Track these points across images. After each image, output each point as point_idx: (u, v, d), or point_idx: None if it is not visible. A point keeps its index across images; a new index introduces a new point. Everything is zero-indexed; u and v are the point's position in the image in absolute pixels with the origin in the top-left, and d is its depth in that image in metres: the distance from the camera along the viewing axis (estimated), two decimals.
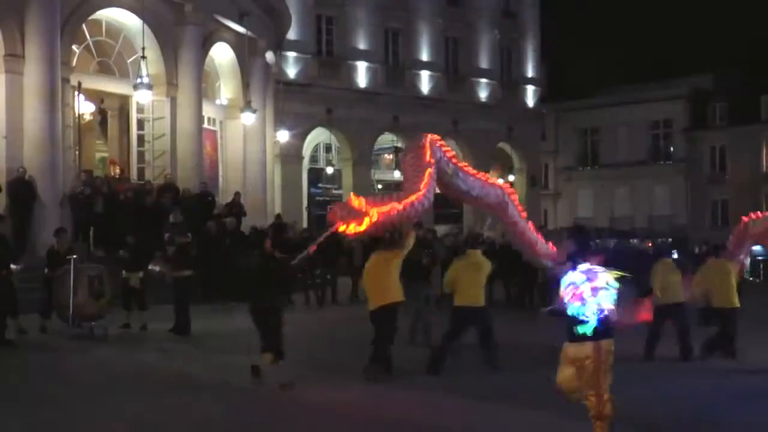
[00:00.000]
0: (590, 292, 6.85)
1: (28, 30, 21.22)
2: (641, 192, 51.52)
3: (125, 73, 25.05)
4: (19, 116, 21.09)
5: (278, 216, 26.78)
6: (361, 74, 39.49)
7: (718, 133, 49.42)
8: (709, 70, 50.90)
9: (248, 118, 27.78)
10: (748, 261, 15.70)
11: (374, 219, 8.91)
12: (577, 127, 55.81)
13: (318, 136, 39.60)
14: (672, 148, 52.71)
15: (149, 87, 23.39)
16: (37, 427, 8.84)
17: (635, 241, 31.18)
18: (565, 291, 7.00)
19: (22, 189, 20.43)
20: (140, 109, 25.17)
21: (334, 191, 39.57)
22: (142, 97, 24.12)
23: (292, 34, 35.67)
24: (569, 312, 7.04)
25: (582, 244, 7.56)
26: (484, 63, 44.50)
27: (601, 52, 55.89)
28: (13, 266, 13.99)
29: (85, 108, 24.97)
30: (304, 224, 33.24)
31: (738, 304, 13.48)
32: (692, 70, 50.72)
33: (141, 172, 25.27)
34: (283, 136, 33.68)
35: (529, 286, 21.98)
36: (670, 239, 37.66)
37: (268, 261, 11.30)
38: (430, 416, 9.16)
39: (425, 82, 41.86)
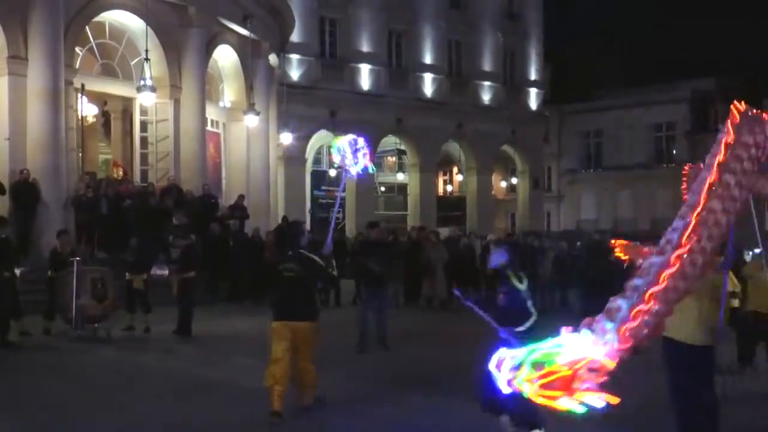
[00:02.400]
0: None
1: (32, 32, 21.24)
2: (644, 195, 51.45)
3: (129, 75, 25.09)
4: (23, 118, 21.10)
5: (284, 218, 26.83)
6: (365, 76, 39.53)
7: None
8: (711, 72, 50.83)
9: (251, 121, 27.82)
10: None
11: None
12: (580, 130, 55.80)
13: (321, 138, 39.64)
14: (674, 151, 52.64)
15: (152, 89, 23.41)
16: (40, 429, 8.86)
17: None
18: None
19: (25, 191, 20.44)
20: (143, 111, 25.19)
21: (337, 194, 39.59)
22: (145, 100, 24.14)
23: (295, 37, 35.71)
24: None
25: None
26: (487, 65, 44.55)
27: (604, 54, 55.82)
28: (17, 269, 14.00)
29: (88, 110, 25.05)
30: (308, 226, 33.22)
31: None
32: (694, 73, 50.67)
33: (144, 174, 25.30)
34: (287, 138, 33.72)
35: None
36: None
37: None
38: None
39: (428, 84, 41.89)
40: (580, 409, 3.83)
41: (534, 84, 47.06)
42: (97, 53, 24.92)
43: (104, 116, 28.86)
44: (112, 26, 24.80)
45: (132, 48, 24.98)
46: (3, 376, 11.83)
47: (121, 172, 25.82)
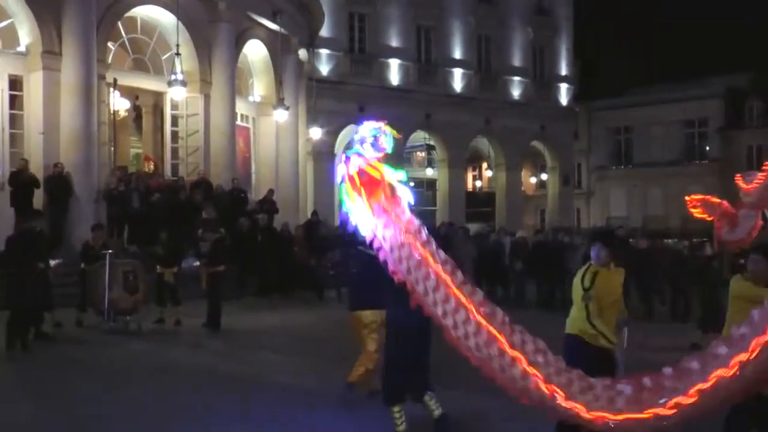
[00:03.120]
0: None
1: (65, 27, 21.48)
2: (675, 192, 50.96)
3: (160, 70, 25.26)
4: (56, 113, 21.35)
5: (314, 213, 26.90)
6: (394, 72, 39.51)
7: (754, 132, 48.92)
8: (744, 68, 50.41)
9: (281, 115, 27.92)
10: None
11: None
12: (610, 126, 55.52)
13: (350, 133, 39.66)
14: (707, 148, 52.25)
15: (183, 84, 23.60)
16: (71, 419, 8.95)
17: (670, 241, 30.83)
18: None
19: (58, 185, 20.65)
20: (174, 106, 25.37)
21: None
22: (176, 94, 24.32)
23: (324, 32, 35.76)
24: None
25: None
26: (516, 61, 44.38)
27: (635, 50, 55.52)
28: (52, 261, 14.16)
29: (120, 104, 25.23)
30: (337, 221, 33.30)
31: None
32: (728, 69, 50.26)
33: (174, 168, 25.48)
34: (316, 133, 33.77)
35: (560, 284, 21.88)
36: (705, 239, 37.17)
37: None
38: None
39: (457, 80, 41.79)
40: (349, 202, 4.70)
41: (564, 80, 46.80)
42: (128, 48, 25.10)
43: (135, 110, 29.06)
44: (143, 21, 24.99)
45: (163, 43, 25.16)
46: (37, 367, 11.97)
47: (152, 166, 26.00)
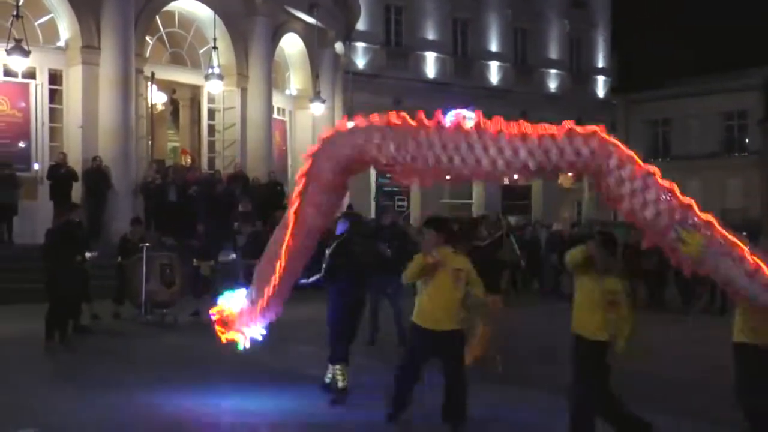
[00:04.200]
0: None
1: (104, 22, 21.73)
2: (713, 184, 50.39)
3: (197, 63, 25.42)
4: (95, 107, 21.62)
5: (350, 206, 26.89)
6: (430, 65, 39.46)
7: None
8: None
9: (317, 108, 27.98)
10: None
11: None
12: (648, 119, 54.90)
13: None
14: (746, 140, 51.56)
15: (220, 77, 23.77)
16: (108, 409, 9.06)
17: None
18: None
19: (97, 178, 20.88)
20: (211, 99, 25.53)
21: None
22: (213, 88, 24.49)
23: (361, 25, 35.78)
24: None
25: None
26: (553, 53, 44.14)
27: (674, 41, 54.79)
28: (88, 254, 14.32)
29: (157, 98, 25.42)
30: (372, 215, 33.32)
31: None
32: (766, 61, 49.48)
33: (211, 161, 25.64)
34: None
35: None
36: (744, 232, 36.84)
37: None
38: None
39: (494, 72, 41.65)
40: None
41: (601, 72, 46.51)
42: (166, 42, 25.28)
43: (173, 104, 29.26)
44: (180, 15, 25.14)
45: (200, 37, 25.31)
46: (75, 358, 12.13)
47: (189, 160, 26.19)
